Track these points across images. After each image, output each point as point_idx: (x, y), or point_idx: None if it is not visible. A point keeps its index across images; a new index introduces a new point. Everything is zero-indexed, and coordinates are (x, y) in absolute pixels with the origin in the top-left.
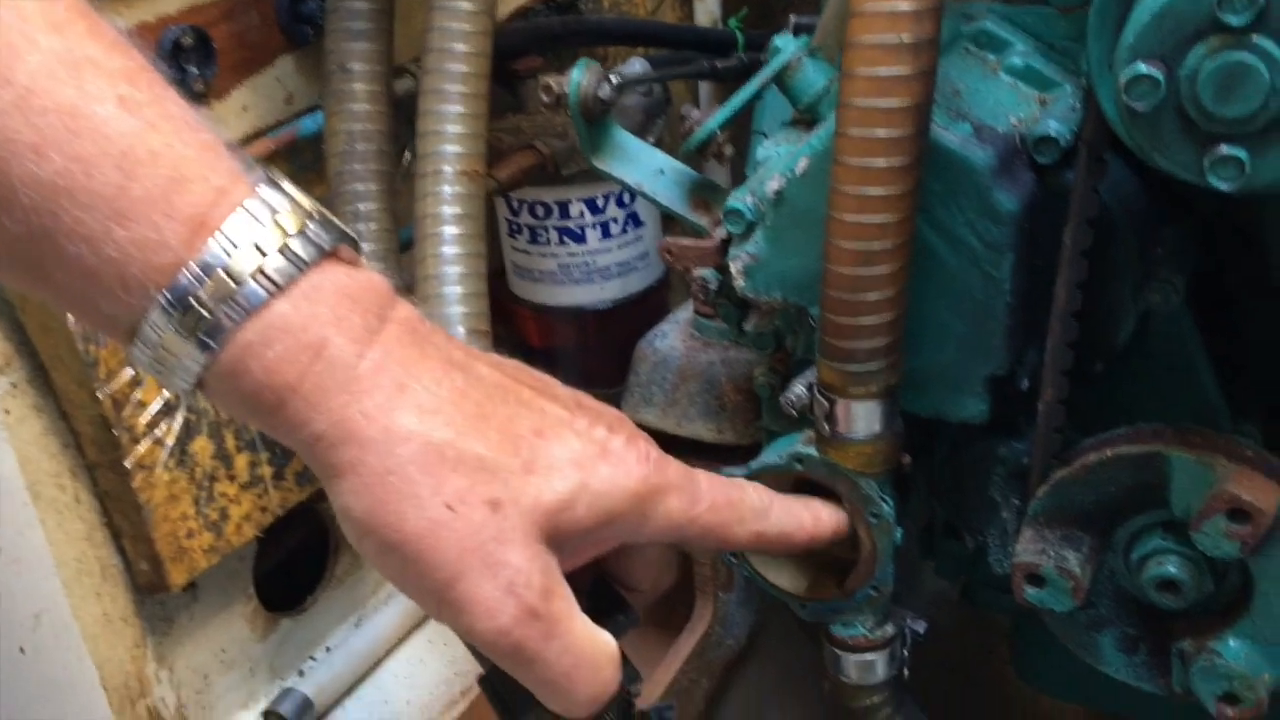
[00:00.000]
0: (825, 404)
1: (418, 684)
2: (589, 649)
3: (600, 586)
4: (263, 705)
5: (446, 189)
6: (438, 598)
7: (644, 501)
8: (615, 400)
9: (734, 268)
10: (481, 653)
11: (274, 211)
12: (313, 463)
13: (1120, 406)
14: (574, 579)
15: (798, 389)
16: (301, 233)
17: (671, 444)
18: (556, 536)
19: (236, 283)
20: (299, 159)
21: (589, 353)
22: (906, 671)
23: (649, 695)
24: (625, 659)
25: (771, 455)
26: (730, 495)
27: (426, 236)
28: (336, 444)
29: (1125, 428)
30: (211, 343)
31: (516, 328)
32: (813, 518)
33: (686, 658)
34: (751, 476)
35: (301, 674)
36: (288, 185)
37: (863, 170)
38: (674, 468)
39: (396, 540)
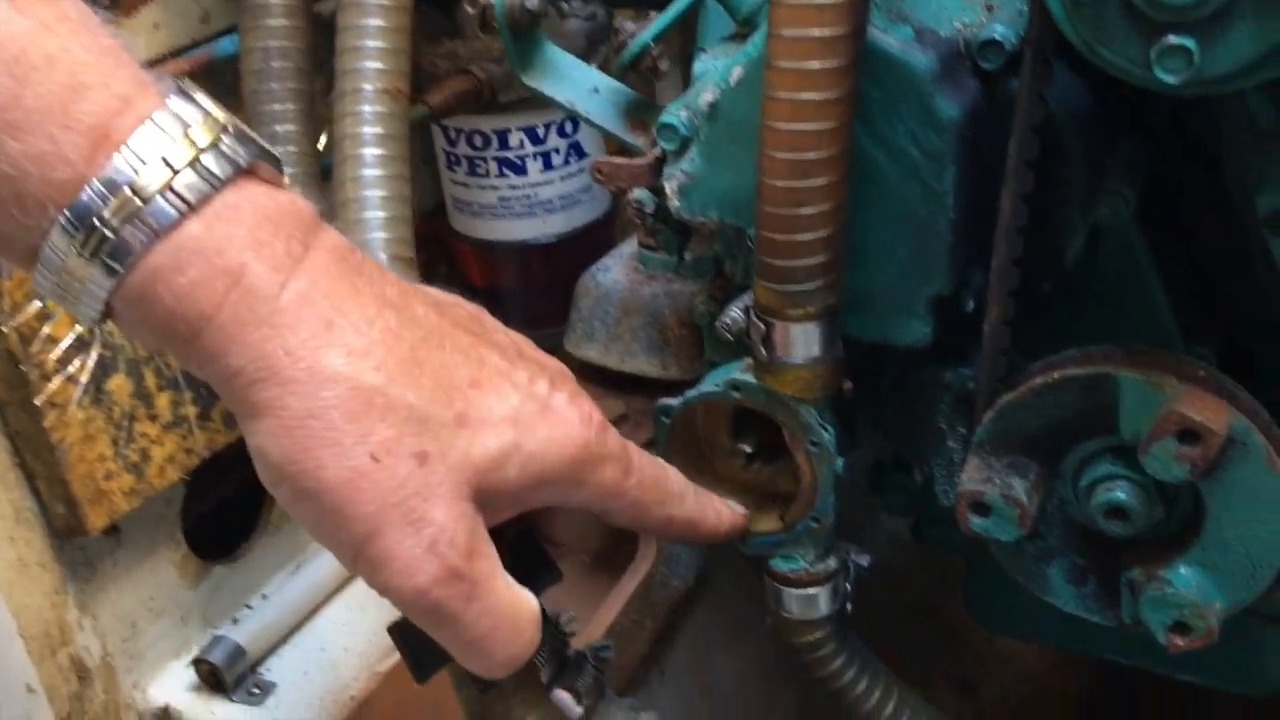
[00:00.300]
0: (762, 327)
1: (357, 631)
2: (509, 611)
3: (525, 540)
4: (195, 654)
5: (367, 109)
6: (354, 551)
7: (580, 467)
8: (560, 339)
9: (669, 187)
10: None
11: (185, 125)
12: (229, 399)
13: (1069, 330)
14: (499, 532)
15: (733, 312)
16: (215, 147)
17: (614, 380)
18: (484, 495)
19: (143, 200)
20: (218, 82)
21: (534, 291)
22: (850, 606)
23: (589, 635)
24: (545, 615)
25: (708, 384)
26: (657, 474)
27: (346, 159)
28: (256, 381)
29: (1074, 350)
30: (117, 266)
31: (459, 266)
32: (717, 513)
33: (629, 599)
34: (688, 406)
35: (236, 622)
36: (201, 96)
37: (796, 74)
38: (613, 436)
39: (314, 488)
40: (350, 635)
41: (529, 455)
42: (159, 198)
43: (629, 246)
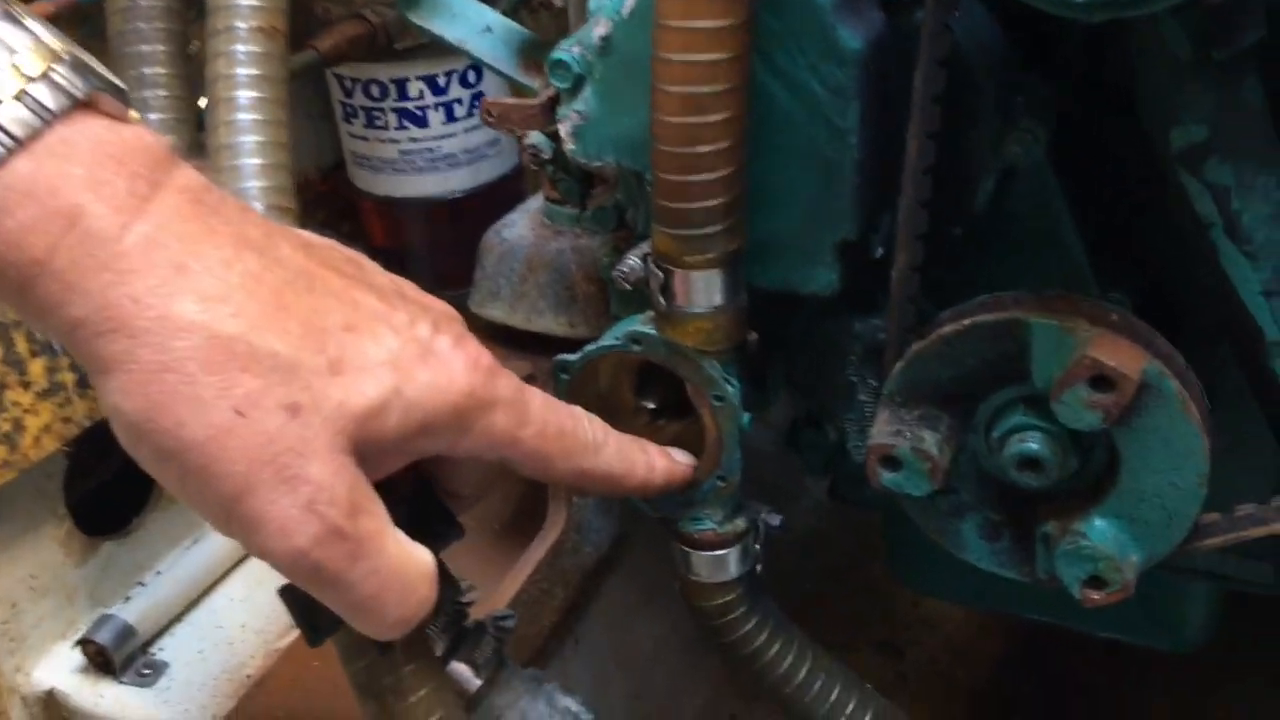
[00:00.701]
0: (660, 275)
1: (255, 608)
2: (400, 569)
3: (422, 494)
4: (82, 635)
5: (240, 49)
6: (225, 514)
7: (466, 414)
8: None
9: (562, 130)
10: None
11: (11, 51)
12: (76, 354)
13: (982, 277)
14: (392, 484)
15: (631, 261)
16: (47, 77)
17: (520, 340)
18: (364, 446)
19: None
20: (88, 27)
21: (440, 250)
22: (760, 567)
23: (493, 604)
24: (446, 573)
25: (608, 338)
26: (562, 424)
27: (219, 102)
28: (102, 333)
29: (984, 296)
30: None
31: (362, 225)
32: (647, 464)
33: (536, 566)
34: (588, 362)
35: (127, 600)
36: (32, 21)
37: (687, 1)
38: (505, 381)
39: (174, 448)
40: (249, 612)
41: (410, 402)
42: None
43: (536, 201)
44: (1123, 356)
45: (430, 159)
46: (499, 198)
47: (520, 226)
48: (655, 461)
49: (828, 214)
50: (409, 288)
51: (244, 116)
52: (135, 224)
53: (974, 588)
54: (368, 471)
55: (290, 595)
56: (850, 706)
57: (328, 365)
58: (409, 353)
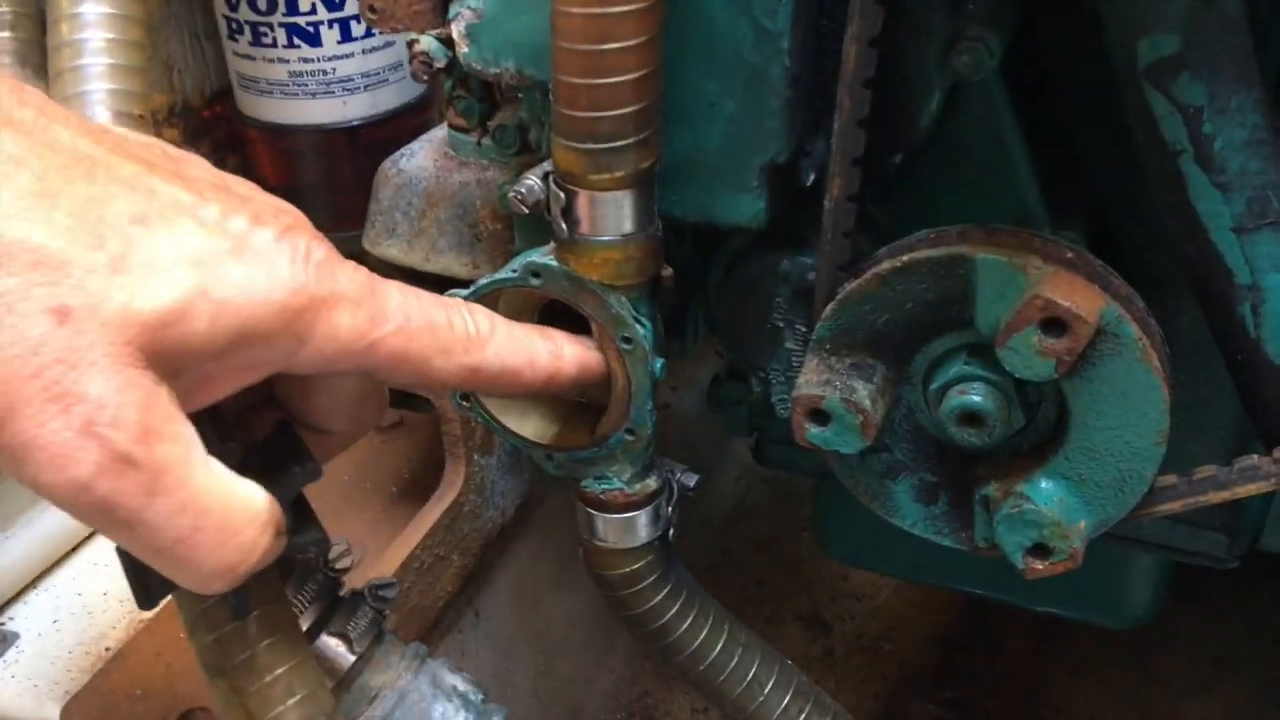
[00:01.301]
0: (562, 197)
1: (120, 572)
2: (217, 505)
3: (276, 430)
4: None
5: None
6: None
7: (296, 317)
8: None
9: (455, 30)
10: None
11: None
12: None
13: (921, 214)
14: (239, 418)
15: (529, 180)
16: None
17: (418, 282)
18: (165, 358)
19: None
20: None
21: (335, 185)
22: (673, 532)
23: (379, 572)
24: (309, 524)
25: (504, 271)
26: (432, 318)
27: None
28: None
29: (926, 230)
30: None
31: (249, 157)
32: (552, 352)
33: (431, 529)
34: (480, 297)
35: None
36: None
37: None
38: (347, 275)
39: None
40: (114, 577)
41: (220, 304)
42: None
43: (440, 131)
44: (1078, 297)
45: (324, 82)
46: (402, 129)
47: (420, 157)
48: (562, 347)
49: (754, 131)
50: (237, 182)
51: (90, 9)
52: None
53: (906, 559)
54: (185, 395)
55: (121, 549)
56: (768, 686)
57: (108, 262)
58: (216, 248)
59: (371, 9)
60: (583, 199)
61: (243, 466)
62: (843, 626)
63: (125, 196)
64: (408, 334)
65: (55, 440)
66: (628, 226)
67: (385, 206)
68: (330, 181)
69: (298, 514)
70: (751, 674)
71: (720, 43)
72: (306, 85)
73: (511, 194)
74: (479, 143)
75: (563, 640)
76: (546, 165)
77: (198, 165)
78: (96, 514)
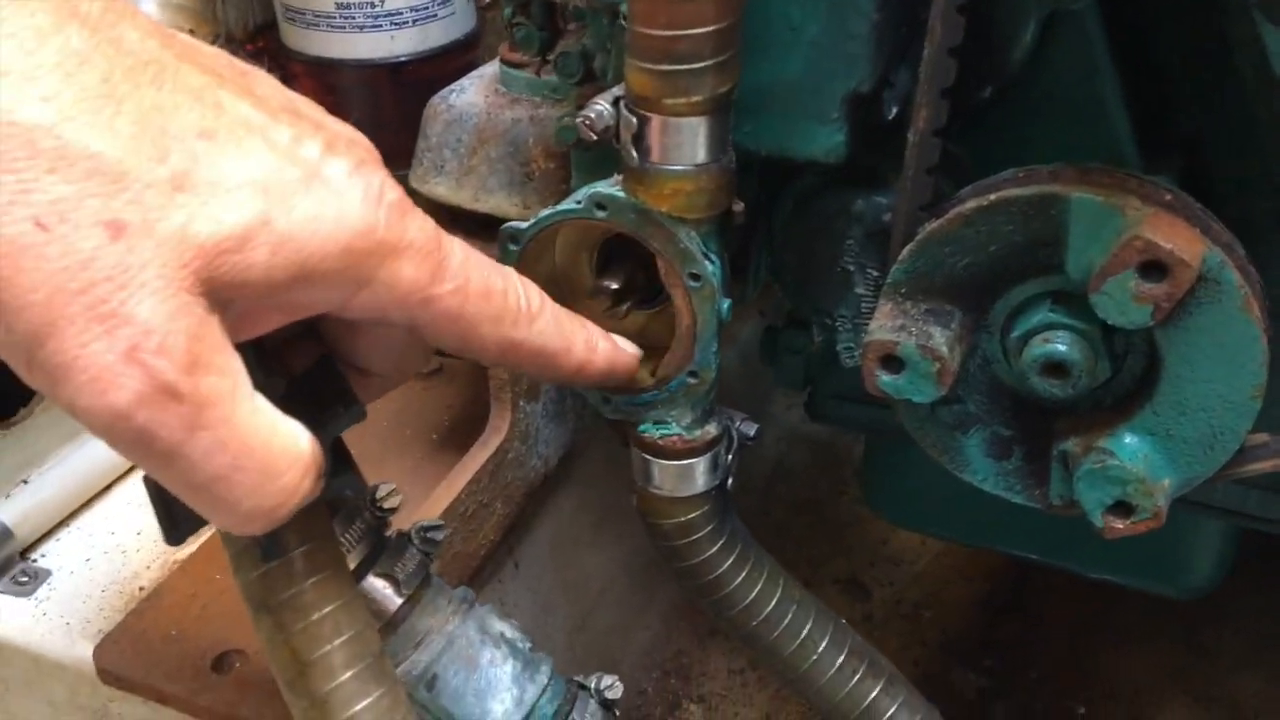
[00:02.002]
0: (634, 122)
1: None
2: (259, 445)
3: (324, 365)
4: None
5: None
6: (25, 356)
7: (363, 259)
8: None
9: None
10: None
11: None
12: None
13: (1009, 152)
14: (279, 354)
15: (599, 105)
16: None
17: (466, 222)
18: (219, 287)
19: None
20: None
21: (379, 121)
22: (730, 482)
23: (422, 517)
24: (348, 466)
25: (568, 202)
26: (489, 283)
27: None
28: None
29: (1014, 169)
30: None
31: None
32: (587, 343)
33: (475, 475)
34: (541, 230)
35: (7, 498)
36: None
37: None
38: (417, 223)
39: None
40: (146, 517)
41: (283, 236)
42: None
43: (491, 68)
44: (1180, 240)
45: (372, 16)
46: (450, 67)
47: (471, 93)
48: (596, 341)
49: (838, 58)
50: (307, 105)
51: None
52: None
53: (959, 521)
54: (231, 327)
55: (150, 480)
56: (822, 644)
57: (170, 177)
58: (288, 176)
59: None
60: (655, 125)
61: (284, 401)
62: (882, 592)
63: (193, 108)
64: (464, 295)
65: (96, 363)
66: (701, 156)
67: (434, 143)
68: (374, 118)
69: (335, 456)
70: (805, 632)
71: None
72: (354, 18)
73: (579, 119)
74: (537, 73)
75: (600, 595)
76: (616, 90)
77: (266, 82)
78: (133, 444)
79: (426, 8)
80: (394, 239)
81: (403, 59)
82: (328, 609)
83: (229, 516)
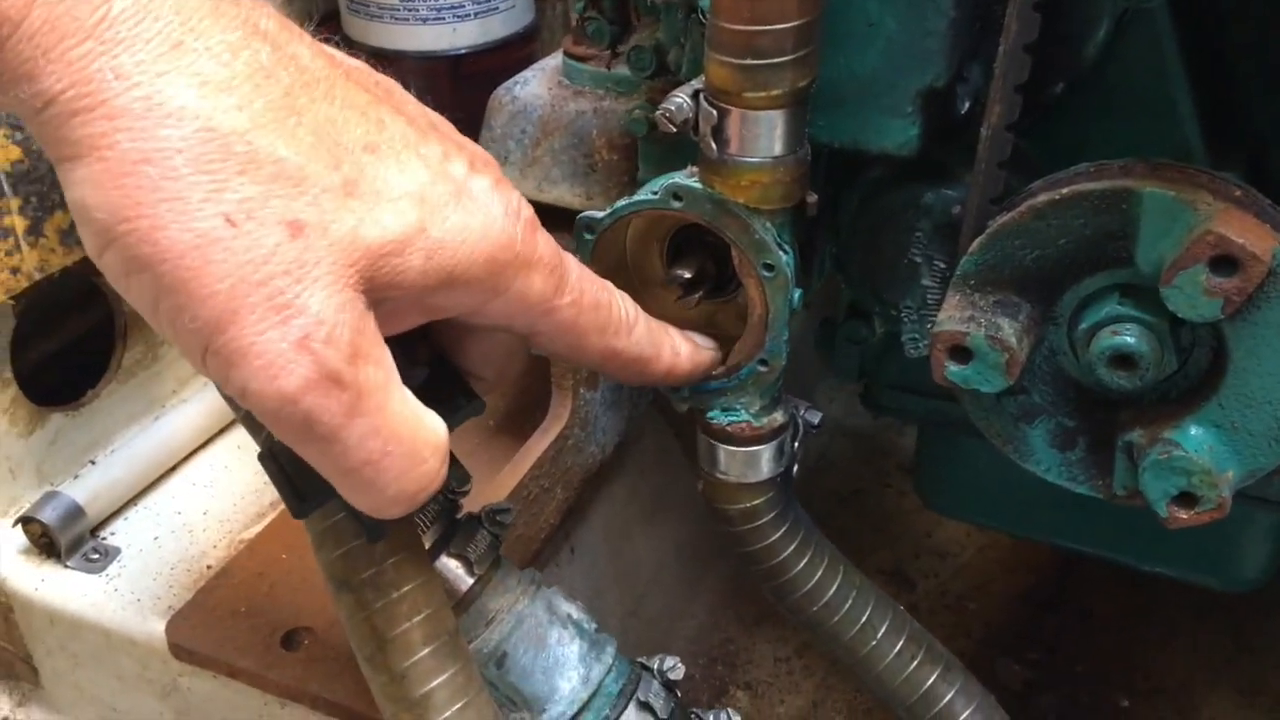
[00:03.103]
0: (714, 114)
1: (220, 493)
2: (407, 432)
3: (441, 362)
4: (24, 512)
5: None
6: (204, 341)
7: (500, 270)
8: None
9: None
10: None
11: None
12: (42, 139)
13: (1078, 147)
14: (406, 349)
15: (679, 97)
16: None
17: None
18: (378, 287)
19: None
20: None
21: (440, 112)
22: (796, 468)
23: (489, 498)
24: (454, 458)
25: (644, 192)
26: (599, 296)
27: None
28: (76, 112)
29: (1085, 164)
30: None
31: None
32: (673, 348)
33: (538, 460)
34: (617, 220)
35: (77, 478)
36: None
37: None
38: (545, 239)
39: (149, 255)
40: (212, 498)
41: (436, 244)
42: None
43: (554, 60)
44: (1251, 235)
45: (435, 8)
46: (509, 59)
47: (535, 85)
48: (680, 346)
49: (914, 53)
50: (444, 123)
51: None
52: None
53: (1012, 513)
54: (381, 321)
55: (272, 459)
56: (881, 630)
57: (342, 184)
58: (440, 189)
59: None
60: (734, 117)
61: (418, 392)
62: (927, 583)
63: (359, 123)
64: (579, 307)
65: (270, 350)
66: (778, 148)
67: (498, 134)
68: (434, 109)
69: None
70: (865, 618)
71: None
72: (418, 10)
73: (660, 111)
74: (607, 67)
75: (650, 582)
76: (695, 83)
77: (409, 100)
78: (297, 427)
79: (488, 1)
80: (529, 253)
81: (463, 51)
82: (406, 588)
83: (376, 498)
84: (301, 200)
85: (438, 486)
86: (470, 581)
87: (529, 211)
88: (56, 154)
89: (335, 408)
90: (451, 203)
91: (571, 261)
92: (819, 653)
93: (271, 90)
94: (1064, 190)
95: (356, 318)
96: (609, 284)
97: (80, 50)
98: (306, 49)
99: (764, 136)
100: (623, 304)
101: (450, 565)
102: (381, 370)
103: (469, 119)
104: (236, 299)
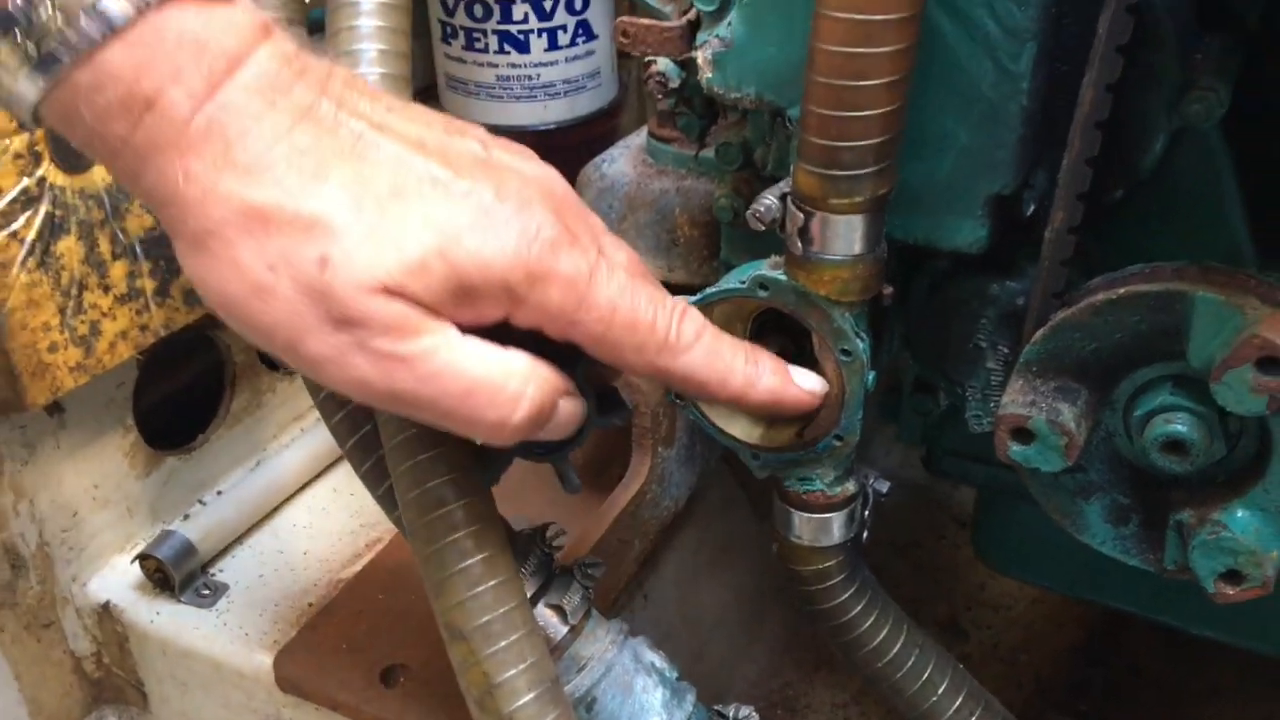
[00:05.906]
0: (800, 217)
1: (318, 534)
2: (482, 373)
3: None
4: (141, 550)
5: None
6: (291, 358)
7: (516, 283)
8: None
9: (701, 57)
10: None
11: None
12: (159, 219)
13: (1133, 246)
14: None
15: (768, 199)
16: None
17: None
18: (409, 294)
19: (67, 20)
20: None
21: None
22: (866, 534)
23: (575, 551)
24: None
25: (731, 280)
26: (637, 316)
27: (340, 7)
28: (165, 203)
29: (1140, 265)
30: (42, 78)
31: None
32: (748, 378)
33: (620, 514)
34: (707, 304)
35: (187, 518)
36: None
37: None
38: (571, 258)
39: (227, 305)
40: (311, 539)
41: (452, 263)
42: (84, 17)
43: (637, 138)
44: None
45: (528, 87)
46: (594, 132)
47: (622, 163)
48: (761, 378)
49: (985, 163)
50: (506, 153)
51: (366, 23)
52: (206, 106)
53: (1067, 573)
54: (459, 313)
55: None
56: (942, 686)
57: (365, 227)
58: (462, 221)
59: (624, 34)
60: (818, 220)
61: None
62: (980, 635)
63: (387, 174)
64: (606, 325)
65: (335, 355)
66: (858, 248)
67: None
68: None
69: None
70: (927, 674)
71: (962, 80)
72: (512, 89)
73: (751, 212)
74: (696, 156)
75: (713, 628)
76: (784, 186)
77: (467, 143)
78: (387, 402)
79: (577, 80)
80: (542, 270)
81: (553, 126)
82: (513, 637)
83: (481, 430)
84: (328, 240)
85: (533, 408)
86: (564, 630)
87: (551, 233)
88: (168, 232)
89: (404, 376)
90: (467, 228)
91: (608, 279)
92: (875, 699)
93: (304, 164)
94: (1121, 290)
95: (394, 314)
96: (673, 302)
97: (164, 159)
98: (353, 117)
99: (845, 237)
100: (675, 324)
101: (546, 614)
102: (433, 335)
103: None
104: (297, 326)
